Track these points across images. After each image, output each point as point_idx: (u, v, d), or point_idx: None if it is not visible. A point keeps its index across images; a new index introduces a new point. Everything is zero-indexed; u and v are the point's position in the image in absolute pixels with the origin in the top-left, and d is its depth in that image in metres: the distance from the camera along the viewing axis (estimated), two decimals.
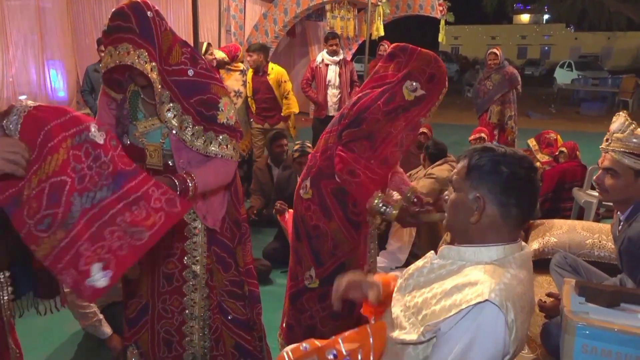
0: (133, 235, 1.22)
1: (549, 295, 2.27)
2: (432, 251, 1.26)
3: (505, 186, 1.14)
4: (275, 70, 4.98)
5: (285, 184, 3.95)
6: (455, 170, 1.23)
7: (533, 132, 5.18)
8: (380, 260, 3.13)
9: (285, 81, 4.98)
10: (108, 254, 1.19)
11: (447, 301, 1.08)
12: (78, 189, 1.18)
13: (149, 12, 1.54)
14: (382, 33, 7.67)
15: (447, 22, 7.96)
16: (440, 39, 7.92)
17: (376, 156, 1.96)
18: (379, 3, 7.72)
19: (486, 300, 1.02)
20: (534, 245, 2.96)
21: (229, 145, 1.71)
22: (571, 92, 15.91)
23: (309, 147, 3.74)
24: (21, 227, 1.17)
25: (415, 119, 2.00)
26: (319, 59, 5.47)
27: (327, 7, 8.70)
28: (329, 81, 5.41)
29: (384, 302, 1.32)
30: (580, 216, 3.98)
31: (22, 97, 8.99)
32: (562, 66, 19.83)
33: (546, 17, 35.70)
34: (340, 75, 5.40)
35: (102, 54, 4.75)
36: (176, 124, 1.63)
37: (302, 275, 2.11)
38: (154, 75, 1.54)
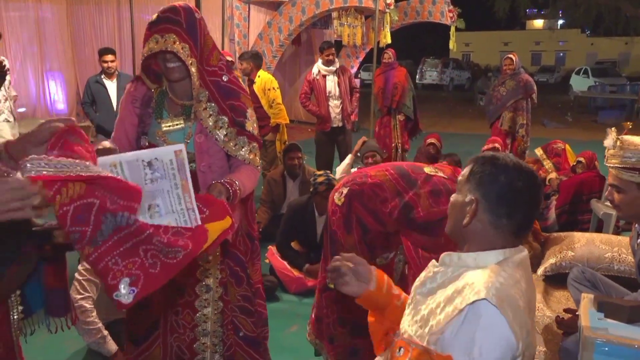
0: (168, 254, 1.20)
1: (566, 311, 2.23)
2: (433, 260, 1.27)
3: (499, 195, 1.15)
4: (261, 78, 4.83)
5: (299, 214, 3.52)
6: (462, 172, 1.26)
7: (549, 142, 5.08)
8: None
9: (271, 89, 4.81)
10: (139, 270, 1.17)
11: (450, 307, 1.09)
12: (111, 209, 1.12)
13: (197, 14, 1.66)
14: (389, 41, 7.51)
15: (457, 29, 7.90)
16: (450, 46, 7.84)
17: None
18: (387, 10, 7.63)
19: (483, 298, 1.03)
20: (551, 259, 2.87)
21: (257, 154, 1.77)
22: (588, 99, 15.51)
23: (335, 179, 3.46)
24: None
25: None
26: (315, 70, 5.26)
27: (334, 14, 8.58)
28: (329, 92, 5.21)
29: (385, 307, 1.31)
30: (599, 229, 3.84)
31: (21, 110, 8.88)
32: (578, 73, 19.36)
33: (560, 22, 35.09)
34: (339, 84, 5.21)
35: (104, 65, 4.81)
36: (211, 124, 1.69)
37: (325, 271, 2.10)
38: (193, 69, 1.61)
